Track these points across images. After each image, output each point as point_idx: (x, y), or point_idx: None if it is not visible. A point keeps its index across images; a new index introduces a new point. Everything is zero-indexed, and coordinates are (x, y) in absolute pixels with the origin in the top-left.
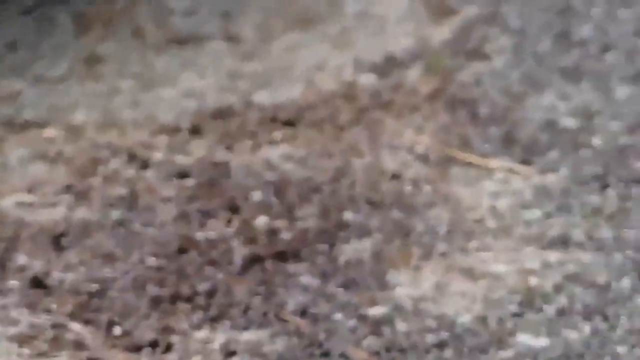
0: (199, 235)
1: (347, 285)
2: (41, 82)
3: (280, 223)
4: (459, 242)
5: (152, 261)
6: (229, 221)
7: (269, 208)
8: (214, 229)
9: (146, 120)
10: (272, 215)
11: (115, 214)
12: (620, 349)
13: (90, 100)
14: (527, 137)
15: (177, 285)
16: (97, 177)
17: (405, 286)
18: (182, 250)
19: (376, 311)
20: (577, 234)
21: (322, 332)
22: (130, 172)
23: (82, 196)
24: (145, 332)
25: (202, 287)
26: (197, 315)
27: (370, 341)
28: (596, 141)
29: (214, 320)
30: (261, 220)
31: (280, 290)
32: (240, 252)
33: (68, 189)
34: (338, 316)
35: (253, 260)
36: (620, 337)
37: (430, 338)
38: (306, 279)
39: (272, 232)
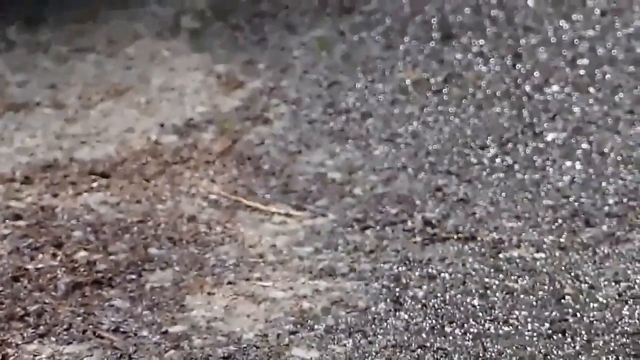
0: (30, 266)
1: (152, 308)
2: None
3: (96, 256)
4: (244, 273)
5: None
6: (55, 255)
7: (88, 244)
8: (42, 261)
9: None
10: (90, 250)
11: None
12: None
13: None
14: (301, 188)
15: (11, 307)
16: None
17: (200, 309)
18: (15, 279)
19: (176, 329)
20: (342, 267)
21: (131, 346)
22: None
23: None
24: None
25: (32, 308)
26: (28, 332)
27: (171, 354)
28: (358, 191)
29: (42, 336)
30: (81, 254)
31: (96, 312)
32: (63, 280)
33: None
34: (144, 333)
35: (74, 287)
36: (377, 351)
37: (220, 351)
38: (118, 302)
39: (90, 264)
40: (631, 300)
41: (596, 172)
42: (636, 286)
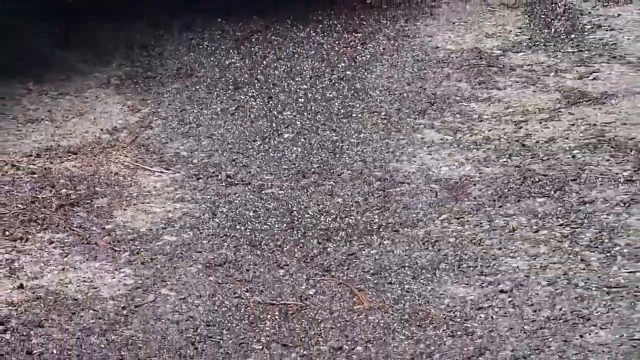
0: (39, 195)
1: (97, 216)
2: None
3: (71, 191)
4: (141, 200)
5: None
6: (50, 191)
7: (66, 185)
8: (44, 194)
9: None
10: (67, 188)
11: None
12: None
13: None
14: (167, 159)
15: (30, 216)
16: None
17: (120, 217)
18: (32, 202)
19: (108, 227)
20: (187, 197)
21: (87, 234)
22: None
23: None
24: None
25: (40, 216)
26: (37, 227)
27: (106, 238)
28: (195, 161)
29: (45, 230)
30: (63, 190)
31: (70, 218)
32: (55, 203)
33: None
34: (94, 228)
35: (60, 206)
36: (204, 237)
37: (129, 237)
38: (81, 214)
39: (68, 195)
40: (327, 217)
41: (305, 154)
42: (332, 211)
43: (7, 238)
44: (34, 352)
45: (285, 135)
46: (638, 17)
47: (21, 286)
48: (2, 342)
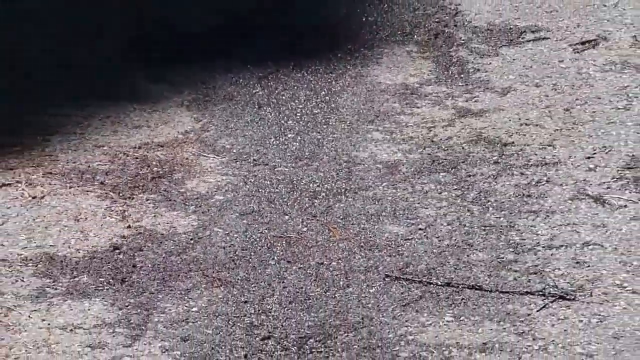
0: (127, 170)
1: (173, 192)
2: None
3: (156, 173)
4: (200, 174)
5: None
6: (140, 170)
7: (154, 166)
8: (133, 172)
9: None
10: (152, 168)
11: None
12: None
13: None
14: (218, 150)
15: (135, 182)
16: None
17: (185, 180)
18: (135, 180)
19: (184, 187)
20: (230, 173)
21: (170, 196)
22: None
23: None
24: None
25: (142, 178)
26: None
27: (172, 193)
28: (235, 151)
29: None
30: (145, 171)
31: (160, 191)
32: (149, 175)
33: None
34: (171, 195)
35: (153, 179)
36: (241, 198)
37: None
38: (163, 189)
39: (151, 175)
40: (314, 184)
41: (300, 147)
42: (317, 181)
43: (120, 197)
44: (137, 265)
45: (289, 135)
46: (502, 65)
47: (129, 226)
48: (117, 260)
